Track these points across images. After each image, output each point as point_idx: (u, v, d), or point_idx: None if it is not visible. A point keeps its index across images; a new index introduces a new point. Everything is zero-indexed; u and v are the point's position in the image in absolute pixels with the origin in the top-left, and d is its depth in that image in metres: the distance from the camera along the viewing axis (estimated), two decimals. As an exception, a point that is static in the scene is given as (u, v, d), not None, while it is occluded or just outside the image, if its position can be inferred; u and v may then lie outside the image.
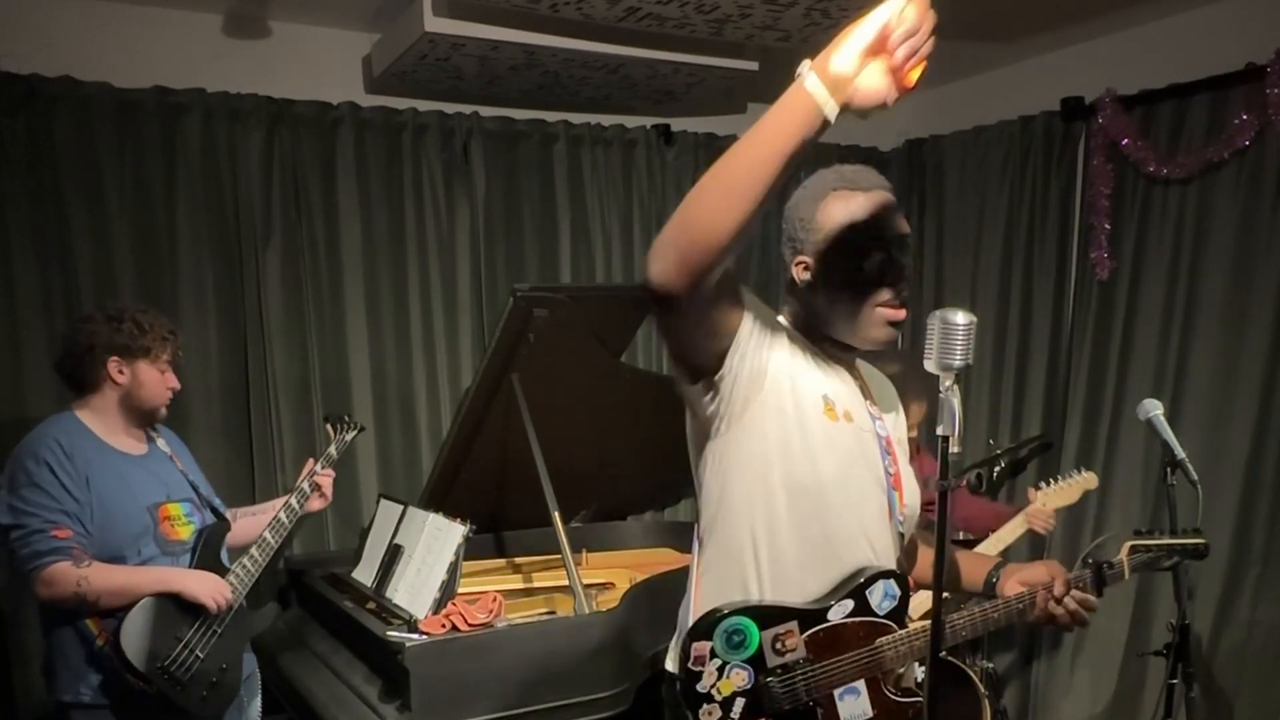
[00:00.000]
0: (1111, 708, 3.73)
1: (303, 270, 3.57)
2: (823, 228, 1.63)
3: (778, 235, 1.73)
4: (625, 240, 4.15)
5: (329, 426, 2.91)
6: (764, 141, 1.36)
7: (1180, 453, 2.59)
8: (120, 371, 2.34)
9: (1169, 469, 2.60)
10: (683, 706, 1.61)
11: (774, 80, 3.97)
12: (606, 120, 4.08)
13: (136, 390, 2.37)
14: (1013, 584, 1.82)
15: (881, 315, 1.63)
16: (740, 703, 1.60)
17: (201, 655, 2.27)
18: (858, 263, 1.60)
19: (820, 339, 1.69)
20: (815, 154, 4.83)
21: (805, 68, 1.34)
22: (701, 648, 1.60)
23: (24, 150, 3.13)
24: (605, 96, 3.96)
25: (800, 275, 1.65)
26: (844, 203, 1.64)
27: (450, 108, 3.78)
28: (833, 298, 1.63)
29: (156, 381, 2.39)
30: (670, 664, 1.73)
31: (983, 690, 3.43)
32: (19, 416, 3.03)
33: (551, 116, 3.97)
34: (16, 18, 3.16)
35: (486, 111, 3.85)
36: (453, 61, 3.41)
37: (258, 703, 2.63)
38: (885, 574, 1.67)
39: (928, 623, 1.64)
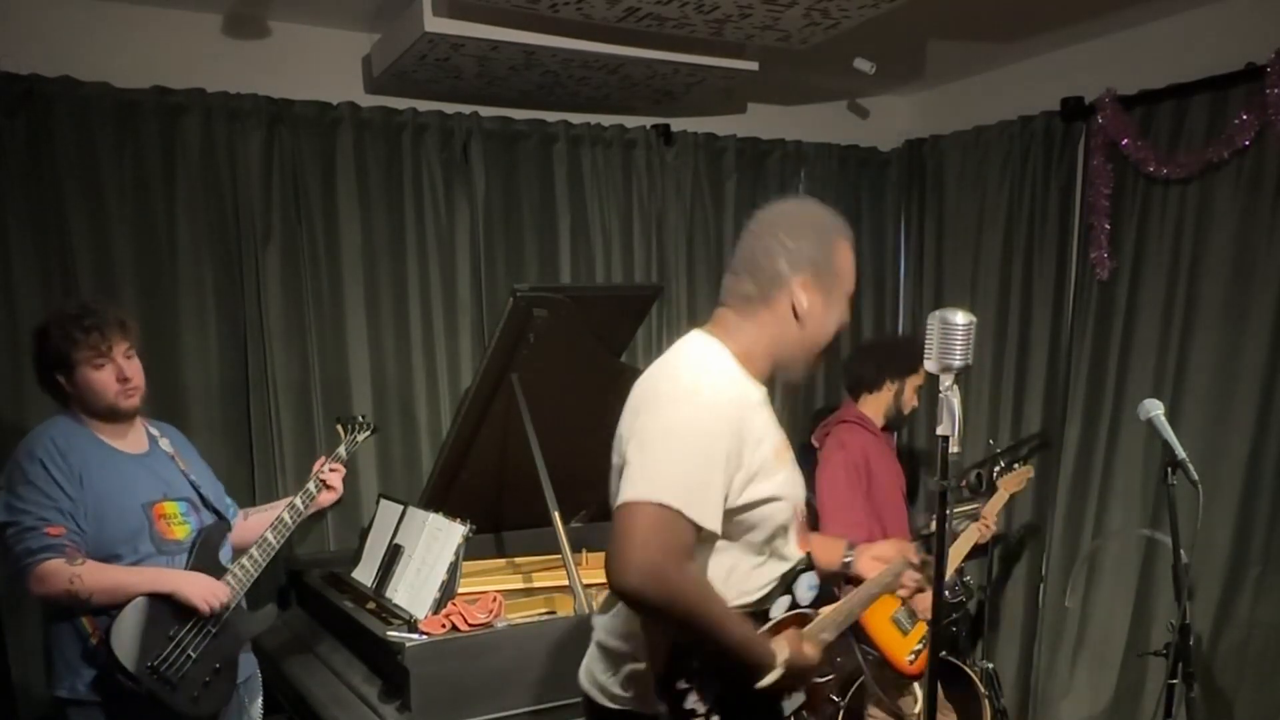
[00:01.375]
0: (1111, 708, 3.73)
1: (303, 270, 3.57)
2: (837, 270, 1.73)
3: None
4: (625, 240, 4.15)
5: (340, 427, 2.90)
6: (719, 644, 1.60)
7: (1180, 453, 2.59)
8: (68, 382, 2.33)
9: (1169, 469, 2.60)
10: None
11: (774, 80, 4.00)
12: (606, 120, 4.08)
13: (84, 395, 2.33)
14: (867, 560, 2.02)
15: (818, 362, 1.81)
16: (716, 716, 1.63)
17: (194, 655, 2.26)
18: (842, 311, 1.76)
19: (759, 361, 1.74)
20: (815, 153, 4.84)
21: (775, 674, 1.62)
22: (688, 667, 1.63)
23: (24, 150, 3.13)
24: (605, 96, 3.96)
25: (798, 295, 1.69)
26: (847, 253, 1.75)
27: (450, 108, 3.78)
28: (814, 334, 1.73)
29: (98, 382, 2.32)
30: (628, 694, 1.70)
31: (983, 690, 3.44)
32: (19, 417, 3.03)
33: (551, 116, 3.97)
34: (16, 18, 3.16)
35: (486, 111, 3.85)
36: (452, 61, 3.41)
37: (259, 701, 2.63)
38: (807, 567, 1.79)
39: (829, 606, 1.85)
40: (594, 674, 1.78)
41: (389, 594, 2.75)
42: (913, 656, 3.06)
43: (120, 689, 2.18)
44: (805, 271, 1.69)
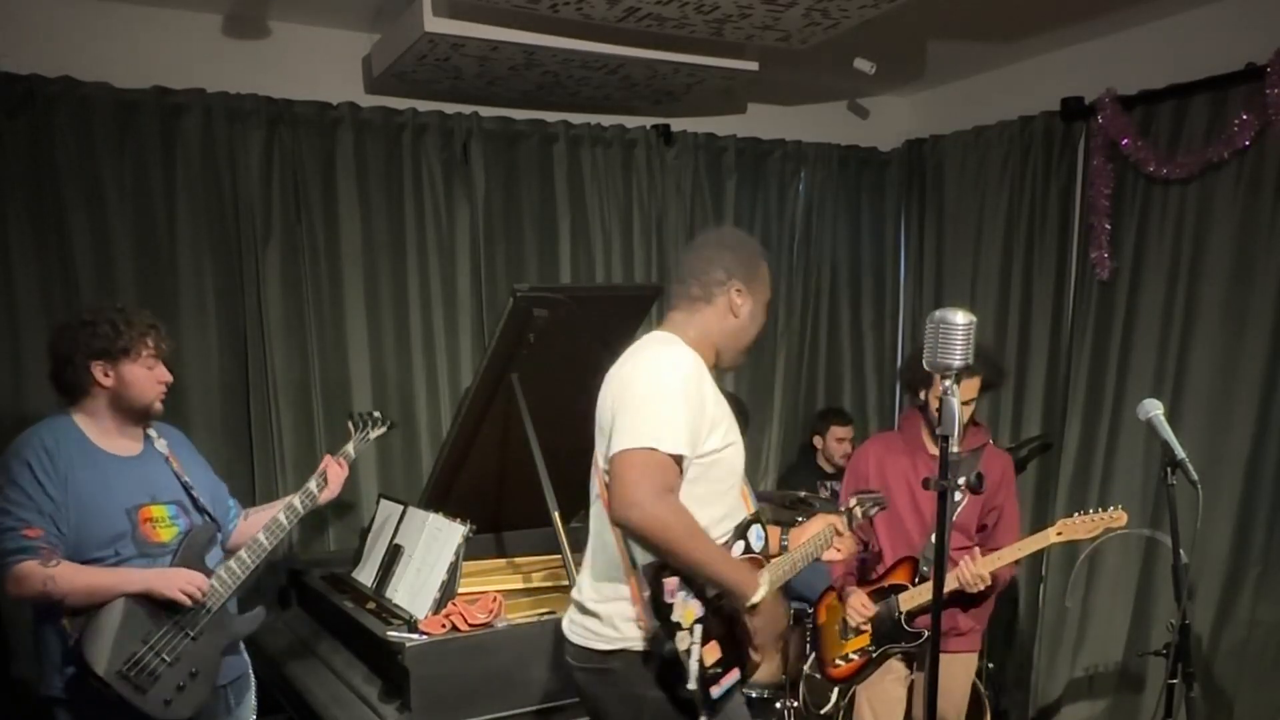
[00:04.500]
0: (1111, 708, 3.73)
1: (303, 270, 3.57)
2: (762, 282, 2.16)
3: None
4: (625, 240, 4.16)
5: (350, 424, 2.87)
6: (703, 566, 1.91)
7: (1180, 453, 2.58)
8: (106, 374, 2.31)
9: (1169, 469, 2.59)
10: (663, 641, 1.89)
11: (774, 80, 4.00)
12: (606, 120, 4.08)
13: (124, 391, 2.33)
14: (799, 538, 2.32)
15: (747, 351, 2.21)
16: (698, 629, 1.91)
17: (168, 659, 2.24)
18: (763, 316, 2.18)
19: (704, 351, 2.10)
20: (815, 153, 4.84)
21: (761, 592, 1.96)
22: (672, 582, 1.90)
23: (24, 150, 3.13)
24: (605, 96, 3.96)
25: (735, 300, 2.11)
26: (766, 271, 2.19)
27: (450, 108, 3.78)
28: (747, 330, 2.15)
29: (144, 379, 2.34)
30: (628, 617, 1.97)
31: (983, 690, 3.43)
32: (19, 416, 3.03)
33: (551, 116, 3.97)
34: (16, 18, 3.16)
35: (486, 111, 3.85)
36: (452, 62, 3.41)
37: (250, 701, 2.60)
38: (755, 520, 2.12)
39: (781, 554, 2.19)
40: (586, 625, 2.06)
41: (389, 594, 2.75)
42: (840, 663, 3.03)
43: (93, 690, 2.18)
44: (737, 279, 2.10)
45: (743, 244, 2.19)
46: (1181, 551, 2.60)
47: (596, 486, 2.08)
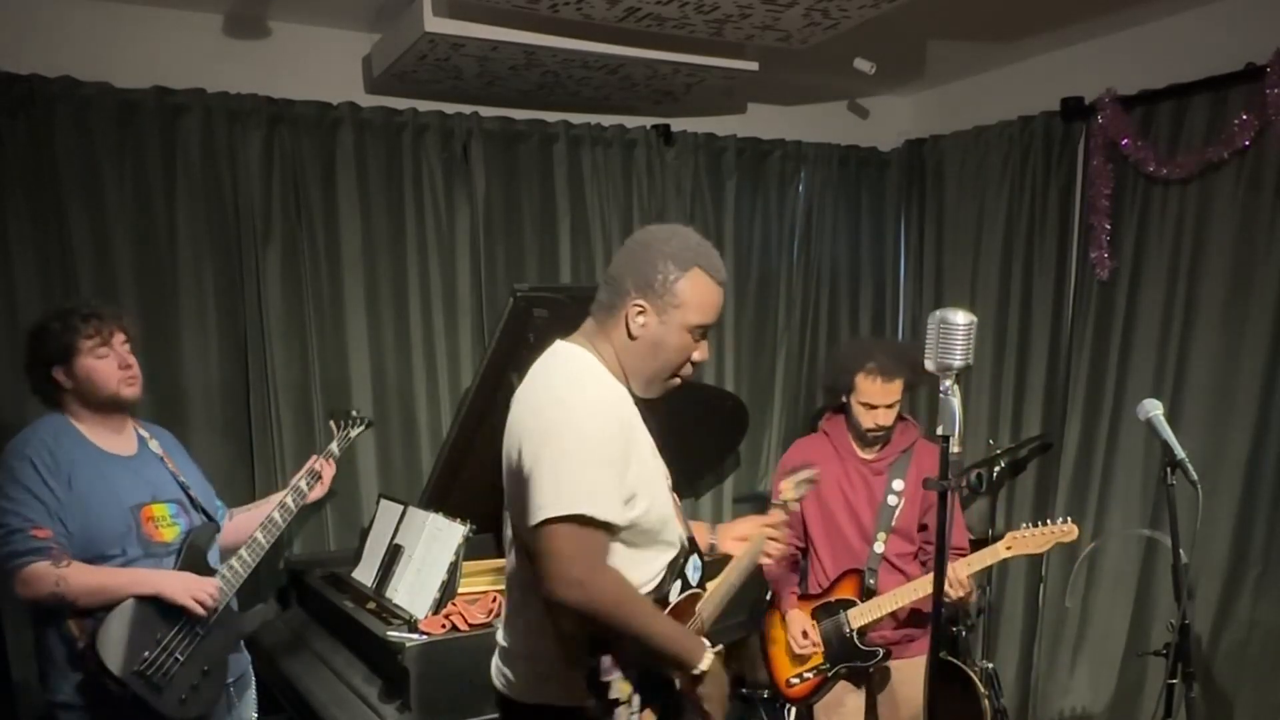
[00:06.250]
0: (1111, 708, 3.73)
1: (303, 270, 3.57)
2: (679, 296, 1.78)
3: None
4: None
5: (332, 423, 2.90)
6: (650, 639, 1.71)
7: (1180, 453, 2.58)
8: (66, 377, 2.32)
9: (1169, 469, 2.60)
10: (600, 717, 1.72)
11: (774, 80, 4.00)
12: (606, 120, 4.08)
13: (85, 387, 2.33)
14: (729, 541, 2.11)
15: (670, 385, 1.84)
16: (636, 699, 1.74)
17: (181, 658, 2.25)
18: (689, 347, 1.81)
19: (615, 370, 1.82)
20: (815, 153, 4.83)
21: (708, 659, 1.75)
22: (608, 660, 1.72)
23: (24, 150, 3.13)
24: (605, 96, 3.96)
25: (634, 319, 1.78)
26: (703, 286, 1.79)
27: (450, 108, 3.78)
28: (650, 356, 1.79)
29: (99, 370, 2.32)
30: (557, 691, 1.78)
31: (982, 690, 3.43)
32: (18, 416, 3.02)
33: (551, 116, 3.97)
34: (16, 18, 3.16)
35: (486, 111, 3.85)
36: (453, 62, 3.41)
37: (250, 698, 2.61)
38: (693, 550, 1.91)
39: (714, 581, 1.95)
40: (506, 675, 1.89)
41: (389, 594, 2.75)
42: (796, 680, 3.00)
43: (106, 693, 2.17)
44: (643, 293, 1.77)
45: (666, 249, 1.80)
46: (1181, 551, 2.61)
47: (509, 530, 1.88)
